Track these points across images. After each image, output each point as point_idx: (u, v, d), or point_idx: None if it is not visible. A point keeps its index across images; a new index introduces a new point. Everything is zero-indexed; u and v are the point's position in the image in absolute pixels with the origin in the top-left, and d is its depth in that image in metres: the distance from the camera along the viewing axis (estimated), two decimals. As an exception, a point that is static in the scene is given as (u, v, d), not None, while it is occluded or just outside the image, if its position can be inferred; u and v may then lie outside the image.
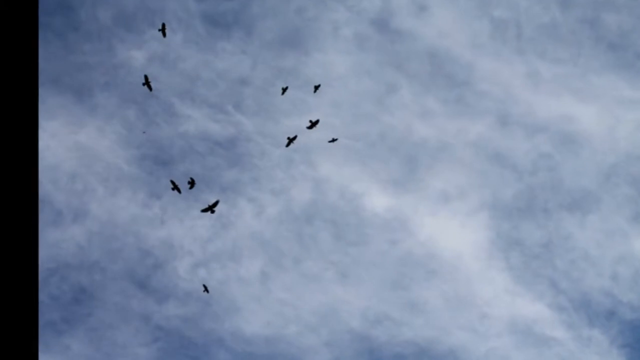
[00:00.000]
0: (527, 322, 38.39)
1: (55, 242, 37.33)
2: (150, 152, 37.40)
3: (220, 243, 37.77)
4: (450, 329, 38.01)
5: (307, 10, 37.51)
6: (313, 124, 32.03)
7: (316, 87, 32.95)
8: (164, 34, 32.13)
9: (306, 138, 32.11)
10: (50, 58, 36.88)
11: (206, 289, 32.48)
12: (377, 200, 38.44)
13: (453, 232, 38.90)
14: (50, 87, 37.06)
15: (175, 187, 31.05)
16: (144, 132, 37.01)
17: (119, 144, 37.33)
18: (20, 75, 9.75)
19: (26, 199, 9.70)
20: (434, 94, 38.36)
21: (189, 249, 37.56)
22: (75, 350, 36.60)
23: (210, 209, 30.97)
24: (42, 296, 35.64)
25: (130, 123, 37.11)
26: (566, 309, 38.37)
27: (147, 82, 31.39)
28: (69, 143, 37.15)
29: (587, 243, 38.60)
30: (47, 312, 36.84)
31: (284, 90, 33.02)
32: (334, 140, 32.79)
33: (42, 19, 34.46)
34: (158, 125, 37.04)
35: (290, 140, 31.96)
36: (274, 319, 37.61)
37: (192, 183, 31.08)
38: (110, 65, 36.72)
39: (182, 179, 32.41)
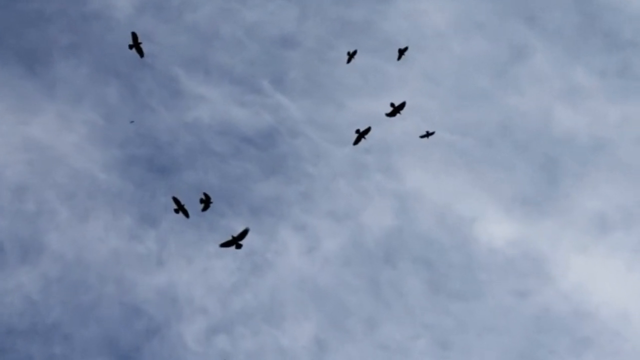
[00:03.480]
0: None
1: (-7, 294, 33.72)
2: (142, 153, 33.49)
3: (250, 296, 33.71)
4: None
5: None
6: (396, 109, 27.71)
7: (401, 52, 28.76)
8: (163, -30, 29.24)
9: (385, 131, 28.56)
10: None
11: (229, 368, 28.89)
12: (497, 229, 34.83)
13: (614, 278, 34.76)
14: (-14, 53, 33.68)
15: (180, 208, 27.78)
16: (131, 122, 32.38)
17: (92, 141, 33.36)
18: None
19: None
20: (585, 62, 34.46)
21: (202, 304, 33.74)
22: None
23: (235, 242, 27.57)
24: (-28, 379, 33.05)
25: (109, 107, 33.20)
26: None
27: (135, 44, 27.92)
28: (15, 139, 33.45)
29: None
30: (-19, 403, 33.58)
31: (351, 56, 29.25)
32: (428, 134, 28.74)
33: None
34: (153, 110, 33.08)
35: (361, 135, 28.06)
36: (335, 410, 33.86)
37: (206, 202, 27.62)
38: (78, 17, 33.41)
39: (190, 196, 28.81)
